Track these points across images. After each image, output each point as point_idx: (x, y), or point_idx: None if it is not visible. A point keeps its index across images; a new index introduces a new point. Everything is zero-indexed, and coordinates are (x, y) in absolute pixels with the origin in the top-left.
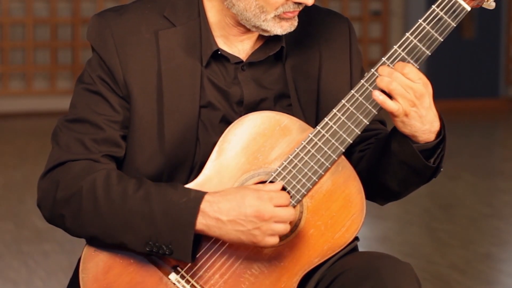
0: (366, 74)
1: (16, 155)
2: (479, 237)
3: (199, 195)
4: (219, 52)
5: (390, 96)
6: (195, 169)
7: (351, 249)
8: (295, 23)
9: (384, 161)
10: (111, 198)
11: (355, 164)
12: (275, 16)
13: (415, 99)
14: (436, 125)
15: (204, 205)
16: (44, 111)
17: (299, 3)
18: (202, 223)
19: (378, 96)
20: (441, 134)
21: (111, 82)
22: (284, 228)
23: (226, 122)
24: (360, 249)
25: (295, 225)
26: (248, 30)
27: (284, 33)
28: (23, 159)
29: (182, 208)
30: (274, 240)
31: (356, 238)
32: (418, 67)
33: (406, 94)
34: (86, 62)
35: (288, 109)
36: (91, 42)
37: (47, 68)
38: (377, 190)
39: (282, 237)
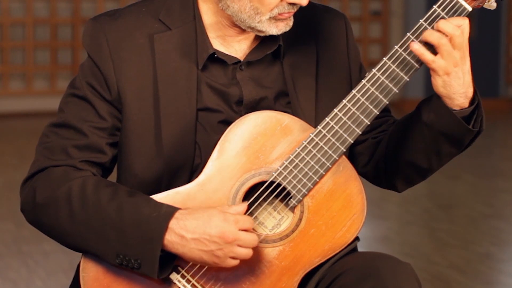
0: (367, 74)
1: (16, 155)
2: (479, 237)
3: (170, 211)
4: (215, 55)
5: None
6: (196, 172)
7: (351, 249)
8: (290, 23)
9: (414, 138)
10: (85, 208)
11: (370, 152)
12: (270, 17)
13: (459, 59)
14: (470, 91)
15: (172, 222)
16: (44, 111)
17: (293, 4)
18: (167, 239)
19: (418, 48)
20: (475, 100)
21: (102, 88)
22: (246, 253)
23: (226, 122)
24: (360, 249)
25: (296, 225)
26: (244, 31)
27: (279, 33)
28: (23, 159)
29: (151, 223)
30: (234, 262)
31: (357, 238)
32: (419, 67)
33: (453, 53)
34: (80, 65)
35: (287, 107)
36: (85, 47)
37: (47, 68)
38: (401, 173)
39: (283, 237)
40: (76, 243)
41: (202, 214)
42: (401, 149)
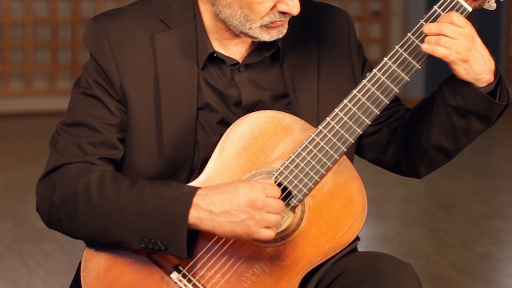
0: (368, 74)
1: (16, 155)
2: (479, 237)
3: (192, 190)
4: (215, 55)
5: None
6: (195, 171)
7: (351, 249)
8: (284, 30)
9: (440, 121)
10: (105, 197)
11: (385, 141)
12: (262, 25)
13: (469, 43)
14: (492, 63)
15: (196, 199)
16: (44, 111)
17: (285, 13)
18: (194, 216)
19: (427, 48)
20: (497, 73)
21: (108, 86)
22: (277, 219)
23: (224, 123)
24: (360, 249)
25: (296, 225)
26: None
27: (272, 39)
28: (23, 159)
29: (175, 203)
30: (269, 233)
31: (357, 238)
32: (419, 67)
33: (460, 42)
34: (83, 66)
35: (287, 108)
36: (87, 46)
37: (47, 68)
38: (426, 157)
39: (284, 237)
40: (97, 234)
41: (227, 187)
42: (426, 134)
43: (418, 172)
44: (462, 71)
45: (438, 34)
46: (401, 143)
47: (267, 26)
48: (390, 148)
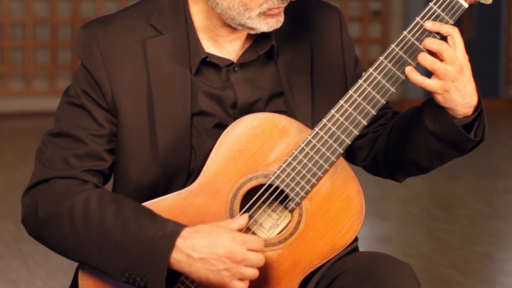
0: (363, 73)
1: (16, 155)
2: (479, 237)
3: (175, 230)
4: (208, 59)
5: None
6: (192, 176)
7: (351, 249)
8: (281, 19)
9: (416, 140)
10: (89, 227)
11: (369, 146)
12: (260, 13)
13: (457, 74)
14: (474, 100)
15: (178, 241)
16: (44, 111)
17: None
18: (174, 258)
19: (419, 78)
20: (478, 107)
21: (97, 95)
22: (253, 273)
23: (221, 126)
24: (361, 249)
25: (294, 228)
26: (235, 30)
27: (270, 30)
28: (23, 159)
29: (157, 243)
30: (242, 285)
31: (356, 239)
32: (415, 65)
33: (449, 71)
34: (73, 74)
35: (283, 107)
36: (78, 55)
37: (47, 68)
38: (401, 168)
39: (282, 240)
40: (80, 259)
41: (209, 233)
42: (403, 148)
43: (395, 178)
44: (440, 98)
45: (438, 51)
46: (381, 151)
47: (265, 14)
48: (371, 153)
